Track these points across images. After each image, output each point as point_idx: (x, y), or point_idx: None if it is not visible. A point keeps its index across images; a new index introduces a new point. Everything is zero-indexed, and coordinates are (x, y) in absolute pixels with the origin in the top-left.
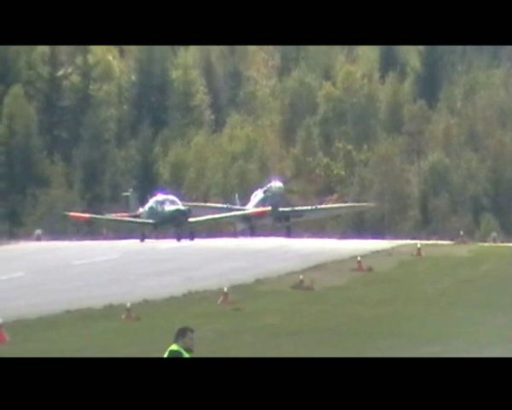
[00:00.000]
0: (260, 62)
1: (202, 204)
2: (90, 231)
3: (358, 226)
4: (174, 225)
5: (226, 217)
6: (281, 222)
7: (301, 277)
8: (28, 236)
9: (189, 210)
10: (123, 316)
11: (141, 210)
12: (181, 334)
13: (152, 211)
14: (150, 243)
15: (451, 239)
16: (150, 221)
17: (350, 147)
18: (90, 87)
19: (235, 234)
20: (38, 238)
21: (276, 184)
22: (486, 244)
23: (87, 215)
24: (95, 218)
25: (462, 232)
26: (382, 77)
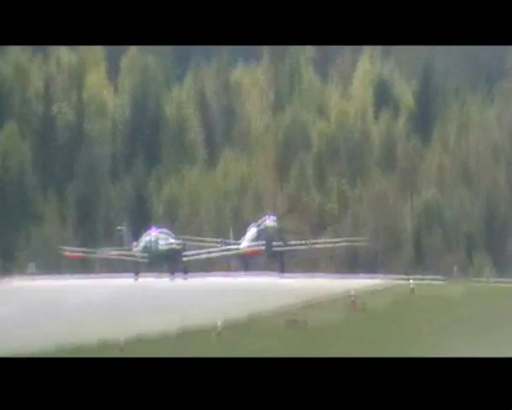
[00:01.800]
0: (254, 99)
1: (196, 238)
2: (83, 266)
3: (352, 263)
4: (168, 262)
5: (220, 254)
6: (274, 259)
7: (295, 313)
8: (22, 271)
9: (183, 247)
10: (117, 352)
11: (134, 245)
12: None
13: (146, 248)
14: (144, 280)
15: (445, 276)
16: (144, 258)
17: (344, 184)
18: (85, 124)
19: (228, 271)
20: (32, 274)
21: (270, 221)
22: (479, 283)
23: (81, 254)
24: (88, 255)
25: (455, 268)
26: (376, 114)
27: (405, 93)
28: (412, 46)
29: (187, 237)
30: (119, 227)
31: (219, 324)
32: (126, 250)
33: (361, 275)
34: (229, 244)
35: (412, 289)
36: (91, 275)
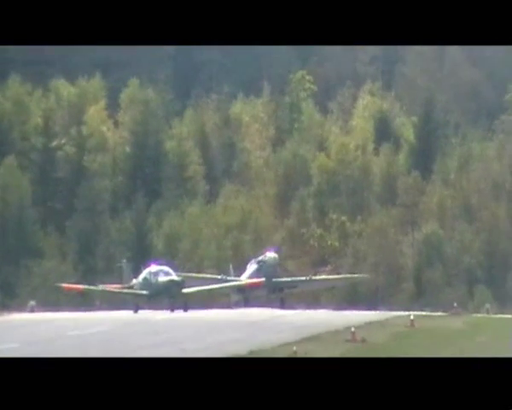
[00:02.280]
0: (254, 133)
1: (196, 275)
2: (83, 302)
3: (352, 298)
4: (168, 297)
5: (220, 288)
6: (275, 293)
7: (295, 348)
8: (21, 307)
9: (183, 281)
10: None
11: (134, 281)
12: None
13: (146, 282)
14: (144, 315)
15: (445, 311)
16: (144, 292)
17: (344, 218)
18: (85, 158)
19: (229, 305)
20: (32, 310)
21: (271, 254)
22: (480, 316)
23: (80, 287)
24: (88, 289)
25: (455, 304)
26: (376, 148)
27: (406, 128)
28: (413, 80)
29: (187, 273)
30: (118, 264)
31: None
32: (126, 285)
33: (361, 309)
34: (229, 281)
35: (412, 322)
36: (91, 310)
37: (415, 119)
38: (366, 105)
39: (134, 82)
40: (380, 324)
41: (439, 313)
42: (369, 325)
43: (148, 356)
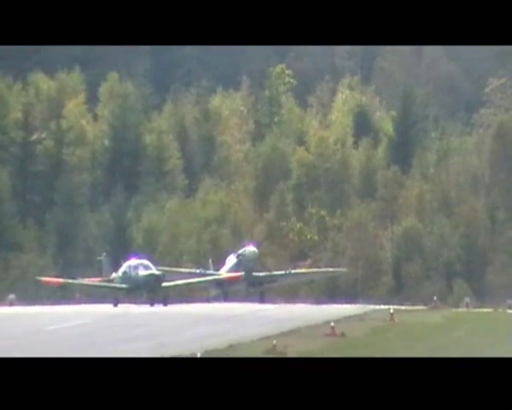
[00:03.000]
0: (234, 127)
1: (176, 269)
2: (62, 295)
3: (332, 291)
4: (147, 290)
5: (199, 282)
6: (254, 287)
7: (274, 342)
8: (0, 301)
9: (163, 275)
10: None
11: (114, 275)
12: None
13: (125, 276)
14: (123, 308)
15: (424, 304)
16: (123, 286)
17: (323, 212)
18: (64, 152)
19: (208, 299)
20: (11, 303)
21: (250, 248)
22: (459, 310)
23: (60, 280)
24: (67, 283)
25: (435, 298)
26: (356, 142)
27: (385, 121)
28: (392, 75)
29: (166, 267)
30: (98, 257)
31: (199, 354)
32: (106, 279)
33: (341, 303)
34: (208, 275)
35: (392, 316)
36: (70, 303)
37: (394, 113)
38: (345, 99)
39: (113, 76)
40: (359, 318)
41: (419, 307)
42: (349, 319)
43: (127, 349)
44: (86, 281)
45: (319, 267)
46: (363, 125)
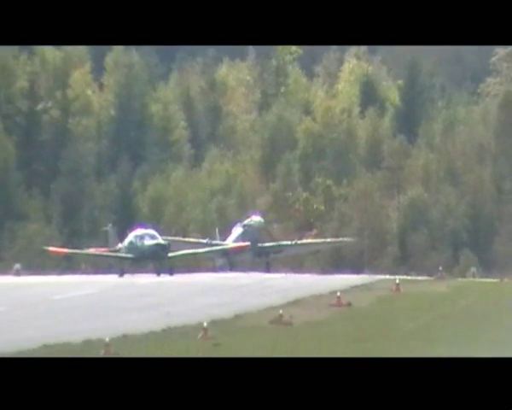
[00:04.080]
0: (240, 97)
1: (182, 239)
2: (68, 265)
3: (337, 262)
4: (153, 260)
5: (205, 252)
6: (260, 257)
7: (280, 312)
8: (7, 270)
9: (169, 245)
10: (102, 351)
11: (120, 245)
12: None
13: (131, 246)
14: (129, 278)
15: (430, 275)
16: (129, 256)
17: (329, 182)
18: (69, 121)
19: (214, 269)
20: (17, 273)
21: (256, 218)
22: (465, 280)
23: (65, 250)
24: (73, 253)
25: (440, 268)
26: (362, 112)
27: (391, 91)
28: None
29: (172, 237)
30: (104, 228)
31: (205, 323)
32: (112, 249)
33: (346, 273)
34: (215, 245)
35: (397, 286)
36: (76, 274)
37: (400, 82)
38: (352, 69)
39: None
40: (365, 288)
41: (425, 278)
42: (355, 289)
43: (133, 319)
44: (92, 251)
45: (325, 237)
46: (369, 95)
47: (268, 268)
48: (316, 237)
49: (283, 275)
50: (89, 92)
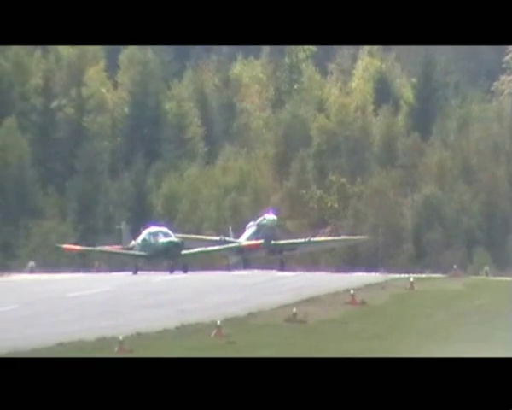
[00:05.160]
0: (254, 94)
1: (196, 236)
2: (82, 263)
3: (352, 260)
4: (167, 258)
5: (219, 249)
6: (274, 255)
7: (294, 310)
8: (21, 268)
9: (182, 242)
10: (116, 349)
11: (133, 242)
12: None
13: (145, 243)
14: (143, 276)
15: (445, 273)
16: (143, 254)
17: (344, 180)
18: (84, 119)
19: (228, 267)
20: (32, 270)
21: (270, 216)
22: (479, 278)
23: (80, 247)
24: (87, 250)
25: (455, 266)
26: (376, 110)
27: (406, 89)
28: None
29: (186, 235)
30: (118, 226)
31: (219, 321)
32: (125, 246)
33: (361, 271)
34: (228, 242)
35: (412, 284)
36: (90, 271)
37: (414, 80)
38: (365, 66)
39: None
40: (379, 286)
41: (439, 275)
42: (369, 287)
43: (147, 317)
44: (106, 248)
45: (339, 235)
46: (383, 93)
47: (282, 266)
48: (330, 234)
49: (298, 273)
50: (103, 90)
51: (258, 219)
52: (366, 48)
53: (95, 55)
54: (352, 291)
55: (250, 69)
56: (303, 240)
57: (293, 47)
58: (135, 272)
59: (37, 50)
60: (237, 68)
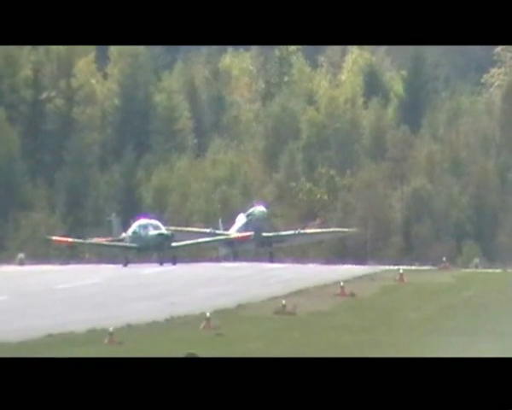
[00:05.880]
0: (244, 87)
1: (185, 229)
2: (72, 255)
3: (341, 252)
4: (157, 250)
5: (209, 241)
6: (263, 247)
7: (284, 302)
8: (11, 260)
9: (172, 235)
10: (105, 340)
11: (124, 235)
12: None
13: (135, 236)
14: (133, 268)
15: (434, 265)
16: (133, 246)
17: (333, 172)
18: (74, 111)
19: (217, 259)
20: (21, 262)
21: (259, 208)
22: (469, 270)
23: (70, 240)
24: (77, 242)
25: (444, 258)
26: (366, 102)
27: (395, 81)
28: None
29: (176, 227)
30: (108, 218)
31: (208, 313)
32: (115, 238)
33: (350, 263)
34: (218, 234)
35: (401, 277)
36: (80, 263)
37: (404, 73)
38: (355, 59)
39: None
40: (369, 278)
41: (428, 268)
42: (358, 279)
43: (137, 308)
44: (96, 240)
45: (328, 228)
46: (373, 85)
47: (271, 258)
48: (319, 226)
49: (287, 265)
50: (93, 82)
51: (248, 211)
52: None
53: (84, 47)
54: (341, 283)
55: (240, 61)
56: (292, 232)
57: None
58: (125, 265)
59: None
60: (227, 61)
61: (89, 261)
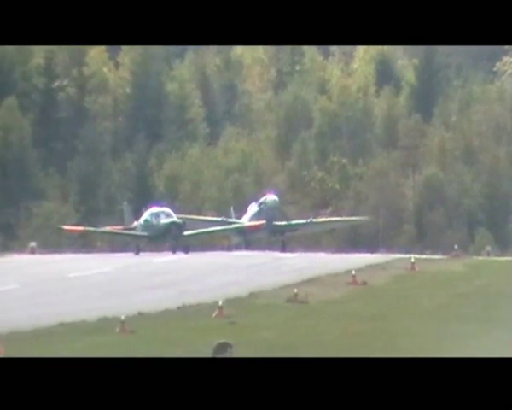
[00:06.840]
0: (256, 76)
1: (197, 217)
2: (84, 243)
3: (353, 240)
4: (169, 239)
5: (221, 230)
6: (275, 236)
7: (296, 290)
8: (22, 248)
9: (184, 223)
10: (117, 329)
11: (135, 223)
12: (221, 349)
13: (147, 224)
14: (145, 257)
15: (445, 253)
16: (145, 234)
17: (345, 161)
18: (86, 99)
19: (229, 248)
20: (33, 251)
21: (271, 197)
22: (481, 258)
23: (81, 228)
24: (89, 231)
25: (456, 246)
26: (378, 91)
27: (407, 70)
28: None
29: (188, 215)
30: (119, 206)
31: (220, 301)
32: (127, 227)
33: (362, 251)
34: (230, 223)
35: (413, 265)
36: (92, 252)
37: (416, 61)
38: (367, 48)
39: None
40: (380, 266)
41: (440, 256)
42: (370, 267)
43: (149, 297)
44: (108, 229)
45: (340, 216)
46: (385, 74)
47: (283, 247)
48: (331, 215)
49: (299, 253)
50: (105, 70)
51: (260, 200)
52: None
53: None
54: (353, 272)
55: (252, 51)
56: (304, 221)
57: None
58: (137, 253)
59: None
60: (239, 49)
61: (100, 250)
